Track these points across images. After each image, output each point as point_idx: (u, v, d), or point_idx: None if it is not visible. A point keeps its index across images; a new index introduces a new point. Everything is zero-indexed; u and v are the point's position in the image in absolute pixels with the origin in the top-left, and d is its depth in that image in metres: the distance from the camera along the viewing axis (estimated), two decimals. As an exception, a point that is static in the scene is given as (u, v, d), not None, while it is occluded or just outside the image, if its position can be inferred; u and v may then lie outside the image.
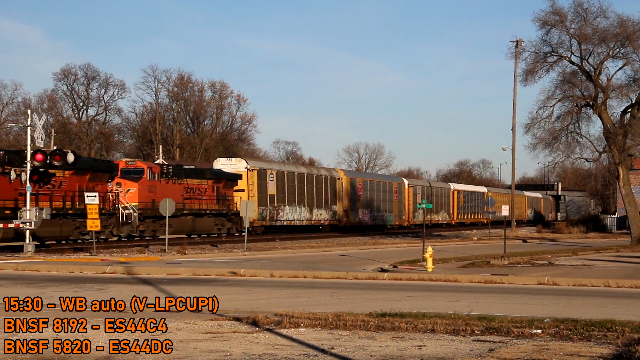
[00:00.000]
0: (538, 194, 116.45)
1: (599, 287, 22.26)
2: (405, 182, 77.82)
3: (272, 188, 54.72)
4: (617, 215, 79.61)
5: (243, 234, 46.04)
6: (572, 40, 49.22)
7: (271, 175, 54.80)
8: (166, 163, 50.08)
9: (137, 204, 42.04)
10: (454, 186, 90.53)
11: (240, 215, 40.15)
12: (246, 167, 52.81)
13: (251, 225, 48.64)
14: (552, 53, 50.03)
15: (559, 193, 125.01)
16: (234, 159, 55.47)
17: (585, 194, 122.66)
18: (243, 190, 51.41)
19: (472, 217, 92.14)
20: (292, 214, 56.59)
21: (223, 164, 53.38)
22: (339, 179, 64.22)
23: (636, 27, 47.71)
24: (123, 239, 41.63)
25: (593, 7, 49.01)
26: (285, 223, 56.66)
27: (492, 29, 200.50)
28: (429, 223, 78.33)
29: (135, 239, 42.39)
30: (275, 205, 55.00)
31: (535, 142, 50.49)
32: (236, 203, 49.38)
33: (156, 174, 43.92)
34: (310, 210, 59.64)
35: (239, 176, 51.52)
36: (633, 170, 63.78)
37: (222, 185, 49.37)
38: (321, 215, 61.32)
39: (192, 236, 46.43)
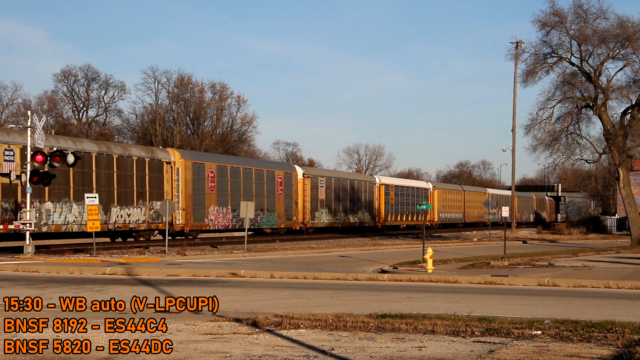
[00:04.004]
0: (508, 192, 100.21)
1: (599, 288, 22.26)
2: (299, 171, 59.76)
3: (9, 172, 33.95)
4: (617, 216, 79.61)
5: None
6: (572, 42, 49.28)
7: (9, 153, 34.60)
8: None
9: None
10: (380, 179, 73.60)
11: (241, 216, 39.21)
12: None
13: None
14: (552, 54, 50.09)
15: (559, 194, 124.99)
16: None
17: (585, 195, 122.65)
18: None
19: (409, 218, 76.34)
20: (61, 215, 36.92)
21: None
22: (169, 162, 44.38)
23: (636, 28, 47.74)
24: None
25: (593, 9, 49.14)
26: (49, 229, 36.57)
27: (492, 31, 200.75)
28: (339, 226, 64.12)
29: None
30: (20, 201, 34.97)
31: (535, 144, 50.58)
32: None
33: None
34: (107, 209, 39.67)
35: None
36: (633, 172, 63.80)
37: None
38: (130, 216, 41.20)
39: None
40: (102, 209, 38.15)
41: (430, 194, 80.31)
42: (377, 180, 72.01)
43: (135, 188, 41.72)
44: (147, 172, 42.75)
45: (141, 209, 42.07)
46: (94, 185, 38.90)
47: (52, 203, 36.55)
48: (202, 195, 46.90)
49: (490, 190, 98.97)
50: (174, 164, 44.88)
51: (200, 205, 46.81)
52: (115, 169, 40.47)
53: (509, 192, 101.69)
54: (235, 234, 52.20)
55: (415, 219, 76.71)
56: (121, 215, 40.81)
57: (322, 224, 61.43)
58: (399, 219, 74.03)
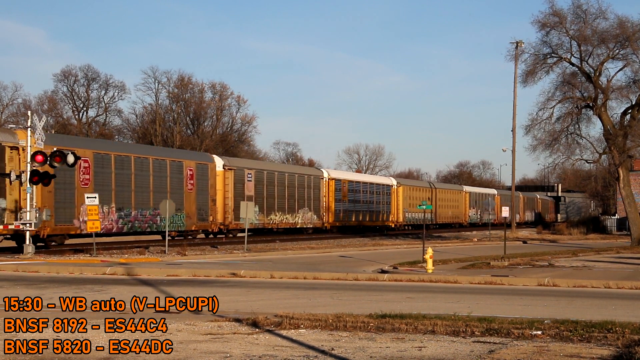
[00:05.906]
0: (493, 191, 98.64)
1: (599, 289, 22.26)
2: (218, 161, 49.14)
3: None
4: (617, 216, 79.62)
5: None
6: (572, 42, 49.29)
7: None
8: None
9: None
10: (329, 173, 63.23)
11: (241, 216, 39.42)
12: None
13: None
14: (552, 54, 50.10)
15: (559, 194, 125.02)
16: None
17: (585, 195, 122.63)
18: None
19: (368, 218, 68.12)
20: None
21: None
22: (15, 147, 34.16)
23: (635, 28, 47.76)
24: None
25: (592, 9, 49.15)
26: None
27: (492, 31, 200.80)
28: (275, 228, 55.01)
29: None
30: None
31: (535, 144, 50.61)
32: None
33: None
34: None
35: None
36: (633, 172, 63.81)
37: None
38: None
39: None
40: None
41: (393, 191, 73.32)
42: (325, 175, 62.17)
43: None
44: None
45: None
46: None
47: None
48: (71, 191, 36.61)
49: (467, 188, 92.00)
50: (23, 150, 33.51)
51: (67, 203, 36.51)
52: None
53: (491, 191, 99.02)
54: (124, 238, 42.03)
55: (375, 219, 69.42)
56: None
57: (250, 225, 47.21)
58: (353, 219, 65.33)
